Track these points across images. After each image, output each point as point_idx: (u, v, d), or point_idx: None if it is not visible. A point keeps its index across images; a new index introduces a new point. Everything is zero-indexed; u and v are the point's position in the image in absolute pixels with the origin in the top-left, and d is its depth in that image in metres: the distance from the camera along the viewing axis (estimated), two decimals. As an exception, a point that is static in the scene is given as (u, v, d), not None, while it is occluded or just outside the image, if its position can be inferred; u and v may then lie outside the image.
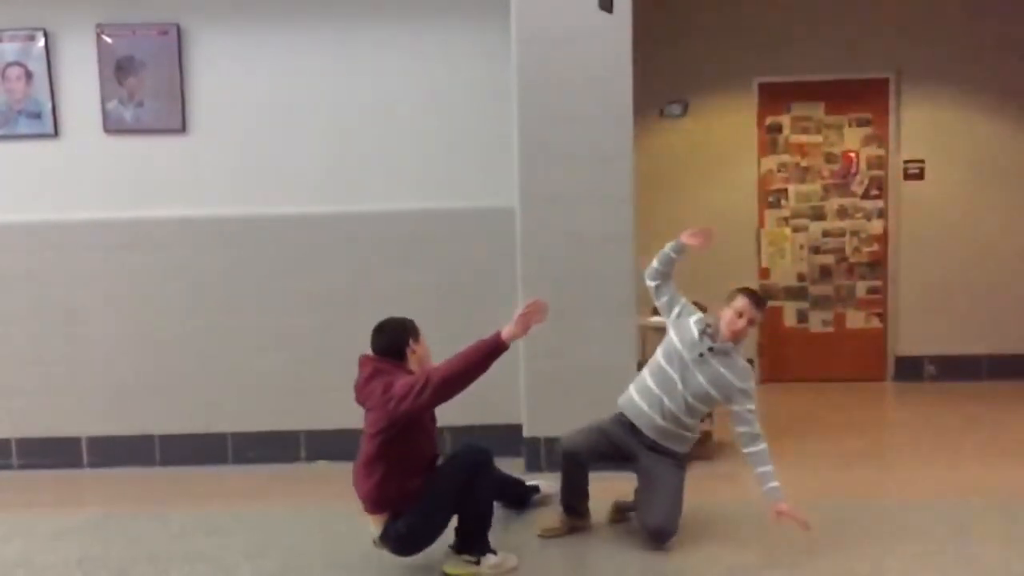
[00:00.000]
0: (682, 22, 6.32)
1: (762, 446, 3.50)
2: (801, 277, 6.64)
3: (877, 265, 6.58)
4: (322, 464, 4.84)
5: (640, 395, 3.66)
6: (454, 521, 3.34)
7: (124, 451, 4.90)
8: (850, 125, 6.52)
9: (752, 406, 3.55)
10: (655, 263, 3.71)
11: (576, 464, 3.65)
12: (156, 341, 4.87)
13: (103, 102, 4.85)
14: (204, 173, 4.89)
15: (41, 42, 4.82)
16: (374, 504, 3.27)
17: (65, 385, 4.88)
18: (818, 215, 6.58)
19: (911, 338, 6.51)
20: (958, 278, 6.43)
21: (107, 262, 4.84)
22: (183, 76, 4.84)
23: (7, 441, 4.92)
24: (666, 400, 3.59)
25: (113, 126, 4.87)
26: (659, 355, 3.70)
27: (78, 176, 4.88)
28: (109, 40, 4.82)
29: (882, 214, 6.54)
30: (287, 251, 4.85)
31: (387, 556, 3.35)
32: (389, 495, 3.24)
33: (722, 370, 3.56)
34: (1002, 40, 6.27)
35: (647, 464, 3.63)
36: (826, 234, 6.60)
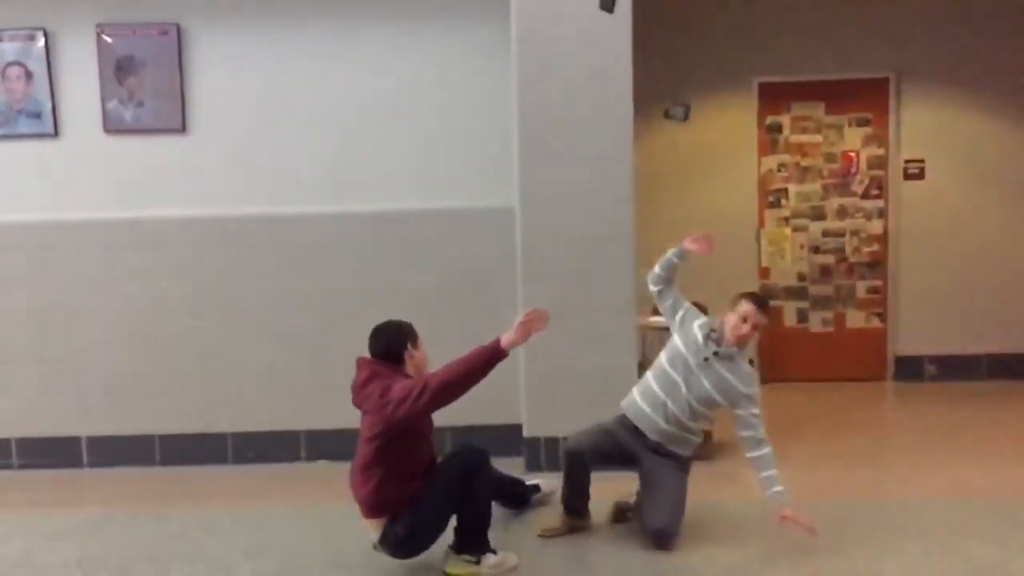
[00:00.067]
0: (682, 22, 6.32)
1: (766, 450, 3.50)
2: (801, 277, 6.64)
3: (877, 265, 6.58)
4: (322, 464, 4.84)
5: (643, 398, 3.66)
6: (453, 521, 3.34)
7: (124, 451, 4.90)
8: (850, 125, 6.52)
9: (757, 410, 3.55)
10: (658, 269, 3.71)
11: (579, 464, 3.65)
12: (156, 341, 4.87)
13: (103, 102, 4.85)
14: (204, 173, 4.89)
15: (41, 42, 4.82)
16: (372, 508, 3.27)
17: (65, 385, 4.88)
18: (818, 215, 6.58)
19: (911, 338, 6.51)
20: (958, 278, 6.43)
21: (107, 262, 4.84)
22: (183, 76, 4.84)
23: (7, 441, 4.92)
24: (670, 404, 3.59)
25: (113, 126, 4.87)
26: (663, 359, 3.70)
27: (78, 176, 4.88)
28: (109, 40, 4.82)
29: (882, 214, 6.54)
30: (287, 251, 4.85)
31: (387, 557, 3.35)
32: (387, 499, 3.23)
33: (727, 375, 3.56)
34: (1002, 40, 6.27)
35: (650, 467, 3.63)
36: (826, 234, 6.60)
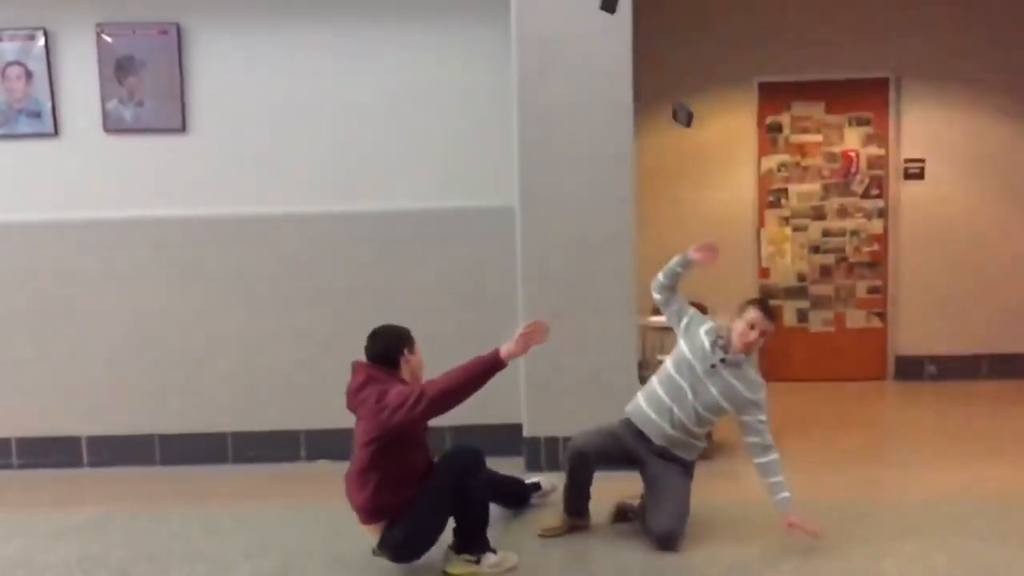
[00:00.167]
0: (682, 22, 6.32)
1: (773, 456, 3.50)
2: (801, 277, 6.65)
3: (877, 265, 6.58)
4: (322, 463, 4.83)
5: (649, 404, 3.66)
6: (452, 522, 3.34)
7: (124, 451, 4.90)
8: (850, 125, 6.52)
9: (764, 417, 3.54)
10: (661, 278, 3.71)
11: (583, 465, 3.64)
12: (156, 341, 4.87)
13: (103, 101, 4.85)
14: (204, 173, 4.89)
15: (41, 41, 4.82)
16: (369, 514, 3.27)
17: (65, 385, 4.87)
18: (818, 215, 6.59)
19: (911, 338, 6.52)
20: (958, 278, 6.44)
21: (107, 262, 4.84)
22: (183, 76, 4.84)
23: (7, 441, 4.92)
24: (676, 409, 3.59)
25: (113, 125, 4.87)
26: (669, 365, 3.69)
27: (78, 175, 4.88)
28: (109, 39, 4.82)
29: (882, 214, 6.54)
30: (287, 251, 4.85)
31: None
32: (384, 504, 3.23)
33: (733, 381, 3.55)
34: (1002, 40, 6.27)
35: (655, 471, 3.63)
36: (826, 234, 6.60)
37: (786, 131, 6.56)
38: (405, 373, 3.34)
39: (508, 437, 4.62)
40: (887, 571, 3.26)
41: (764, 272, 6.63)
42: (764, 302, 3.71)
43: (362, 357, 3.37)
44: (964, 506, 3.88)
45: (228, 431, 4.92)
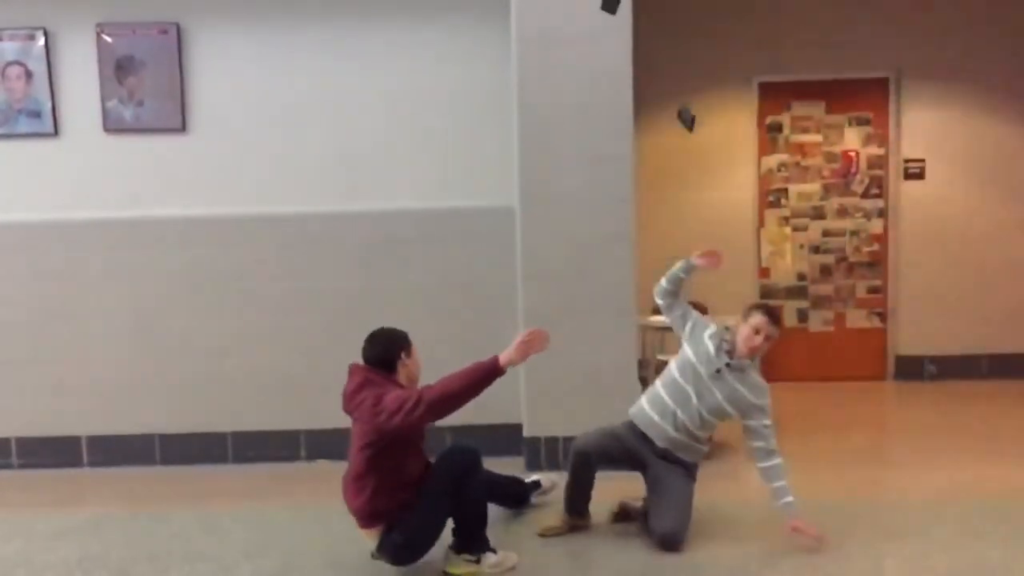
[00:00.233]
0: (682, 22, 6.32)
1: (777, 461, 3.50)
2: (801, 277, 6.65)
3: (877, 265, 6.58)
4: (322, 464, 4.83)
5: (652, 406, 3.66)
6: (452, 522, 3.34)
7: (124, 451, 4.90)
8: (850, 125, 6.52)
9: (768, 421, 3.55)
10: (664, 283, 3.71)
11: (585, 465, 3.64)
12: (156, 341, 4.87)
13: (103, 101, 4.85)
14: (204, 173, 4.89)
15: (41, 41, 4.82)
16: (367, 518, 3.27)
17: (65, 385, 4.87)
18: (818, 215, 6.58)
19: (911, 338, 6.52)
20: (958, 278, 6.43)
21: (107, 262, 4.84)
22: (183, 76, 4.84)
23: (7, 441, 4.92)
24: (680, 413, 3.59)
25: (113, 125, 4.87)
26: (673, 368, 3.69)
27: (78, 175, 4.89)
28: (109, 39, 4.82)
29: (882, 214, 6.54)
30: (287, 251, 4.84)
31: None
32: (381, 509, 3.23)
33: (738, 386, 3.56)
34: (1002, 40, 6.27)
35: (658, 473, 3.63)
36: (826, 234, 6.60)
37: (786, 131, 6.56)
38: (402, 377, 3.34)
39: (508, 437, 4.62)
40: (887, 571, 3.26)
41: (764, 272, 6.63)
42: (770, 307, 3.70)
43: (357, 361, 3.36)
44: (964, 506, 3.88)
45: (228, 431, 4.91)
